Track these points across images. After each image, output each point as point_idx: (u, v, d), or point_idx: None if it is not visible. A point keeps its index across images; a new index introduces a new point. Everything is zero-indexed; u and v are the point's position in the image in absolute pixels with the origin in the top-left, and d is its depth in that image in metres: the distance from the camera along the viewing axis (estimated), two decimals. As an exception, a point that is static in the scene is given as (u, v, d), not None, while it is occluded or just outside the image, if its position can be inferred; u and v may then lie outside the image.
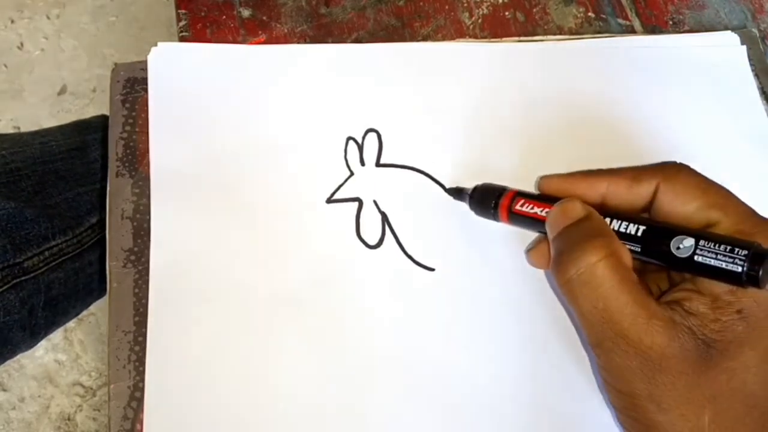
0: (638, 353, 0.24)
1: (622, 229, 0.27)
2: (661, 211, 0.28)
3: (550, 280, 0.33)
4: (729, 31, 0.39)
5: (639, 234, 0.26)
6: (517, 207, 0.30)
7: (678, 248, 0.25)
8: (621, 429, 0.28)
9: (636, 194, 0.28)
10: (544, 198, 0.30)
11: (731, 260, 0.24)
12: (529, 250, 0.32)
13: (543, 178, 0.31)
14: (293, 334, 0.31)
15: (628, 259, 0.26)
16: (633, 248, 0.26)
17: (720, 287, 0.25)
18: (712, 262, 0.24)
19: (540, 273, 0.33)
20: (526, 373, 0.31)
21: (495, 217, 0.31)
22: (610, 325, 0.25)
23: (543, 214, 0.29)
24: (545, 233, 0.29)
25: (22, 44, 1.09)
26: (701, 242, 0.24)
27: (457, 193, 0.33)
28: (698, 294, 0.26)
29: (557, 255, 0.27)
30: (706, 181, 0.27)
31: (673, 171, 0.28)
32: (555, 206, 0.28)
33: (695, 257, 0.24)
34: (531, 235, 0.33)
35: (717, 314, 0.25)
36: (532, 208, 0.30)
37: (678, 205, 0.27)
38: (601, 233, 0.26)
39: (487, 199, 0.31)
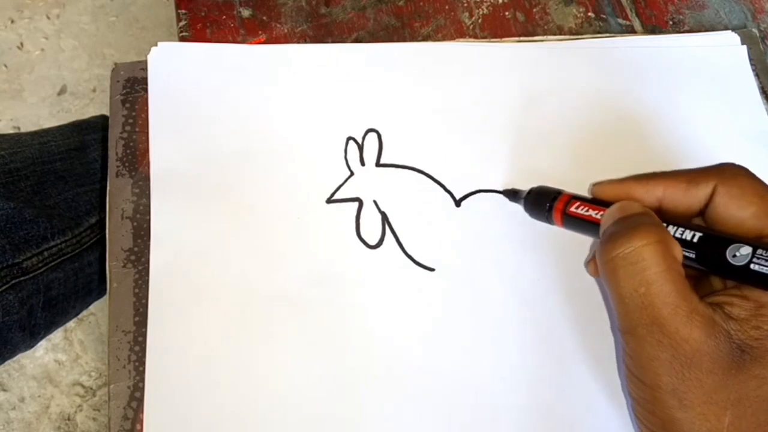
0: (672, 344, 0.24)
1: (677, 235, 0.26)
2: (716, 214, 0.27)
3: (562, 281, 0.33)
4: (729, 31, 0.39)
5: (695, 240, 0.26)
6: (572, 209, 0.30)
7: (734, 256, 0.25)
8: (634, 420, 0.28)
9: (693, 197, 0.28)
10: (600, 202, 0.29)
11: None
12: (588, 262, 0.31)
13: (596, 185, 0.31)
14: (293, 334, 0.31)
15: (678, 252, 0.26)
16: (687, 254, 0.26)
17: (765, 297, 0.25)
18: None
19: (540, 273, 0.33)
20: (526, 373, 0.31)
21: (549, 219, 0.31)
22: (648, 310, 0.24)
23: (598, 216, 0.29)
24: (599, 238, 0.29)
25: (22, 44, 1.09)
26: (759, 251, 0.24)
27: (512, 194, 0.33)
28: (742, 300, 0.25)
29: (606, 237, 0.26)
30: (765, 186, 0.27)
31: (732, 173, 0.28)
32: (613, 205, 0.28)
33: (751, 266, 0.24)
34: (537, 238, 0.33)
35: (759, 322, 0.25)
36: (588, 211, 0.29)
37: (734, 208, 0.27)
38: (654, 223, 0.26)
39: (541, 202, 0.31)
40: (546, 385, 0.31)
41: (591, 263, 0.31)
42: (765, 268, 0.24)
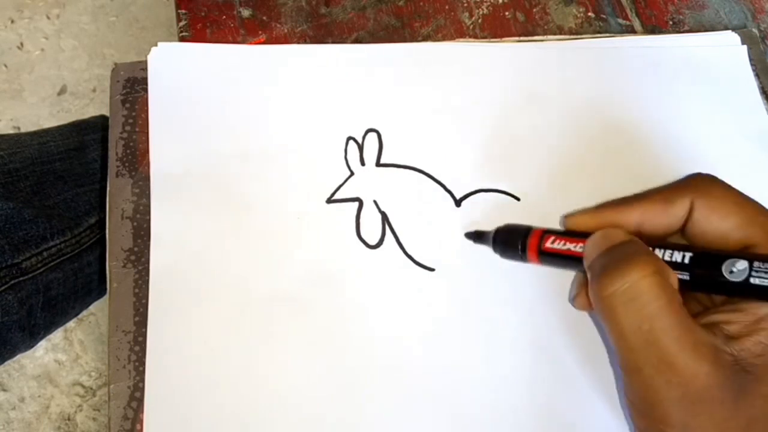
0: (681, 383, 0.23)
1: (667, 258, 0.25)
2: (697, 229, 0.26)
3: (561, 281, 0.33)
4: (729, 31, 0.39)
5: (686, 261, 0.25)
6: (548, 245, 0.28)
7: (731, 272, 0.24)
8: None
9: (672, 215, 0.27)
10: (576, 234, 0.28)
11: None
12: (575, 297, 0.30)
13: (568, 216, 0.30)
14: (293, 334, 0.31)
15: (675, 280, 0.25)
16: (681, 277, 0.25)
17: (764, 308, 0.24)
18: None
19: (540, 274, 0.33)
20: (526, 374, 0.31)
21: (523, 258, 0.30)
22: (655, 348, 0.23)
23: (578, 249, 0.27)
24: (582, 271, 0.27)
25: (22, 44, 1.09)
26: (755, 264, 0.23)
27: (477, 237, 0.32)
28: (738, 314, 0.24)
29: (598, 271, 0.25)
30: (741, 195, 0.26)
31: (706, 185, 0.27)
32: (595, 234, 0.27)
33: (751, 279, 0.23)
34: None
35: (760, 336, 0.24)
36: (565, 245, 0.28)
37: (714, 221, 0.26)
38: (646, 252, 0.25)
39: (512, 241, 0.30)
40: (546, 385, 0.31)
41: (578, 298, 0.30)
42: (766, 280, 0.23)
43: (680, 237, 0.28)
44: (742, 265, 0.23)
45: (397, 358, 0.31)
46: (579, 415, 0.31)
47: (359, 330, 0.31)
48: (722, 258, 0.24)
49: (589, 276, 0.26)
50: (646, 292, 0.23)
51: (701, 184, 0.27)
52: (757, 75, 0.38)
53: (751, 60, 0.38)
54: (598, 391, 0.31)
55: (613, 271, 0.24)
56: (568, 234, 0.28)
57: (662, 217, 0.27)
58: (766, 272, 0.23)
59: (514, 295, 0.32)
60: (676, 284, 0.25)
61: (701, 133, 0.36)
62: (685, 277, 0.25)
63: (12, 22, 1.10)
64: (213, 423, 0.29)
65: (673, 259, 0.25)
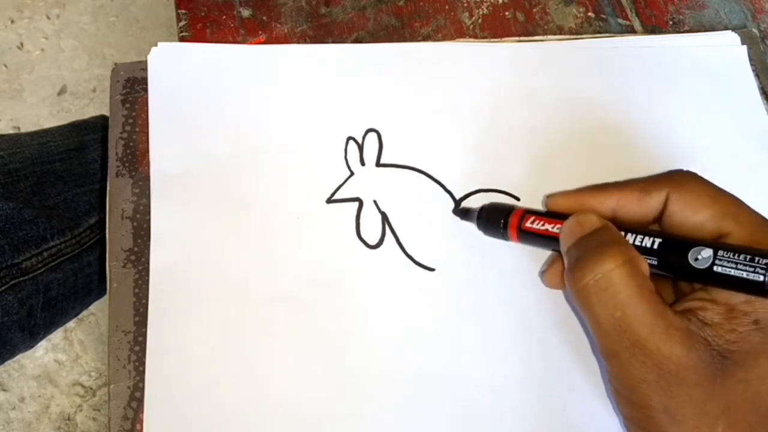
0: (655, 365, 0.24)
1: (637, 243, 0.26)
2: (672, 221, 0.27)
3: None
4: (729, 31, 0.39)
5: (655, 247, 0.26)
6: (527, 225, 0.30)
7: (696, 259, 0.25)
8: None
9: (647, 206, 0.28)
10: (555, 215, 0.29)
11: (752, 269, 0.23)
12: (544, 272, 0.31)
13: (549, 196, 0.31)
14: (293, 335, 0.31)
15: (645, 268, 0.26)
16: (650, 262, 0.26)
17: (736, 297, 0.25)
18: (732, 272, 0.24)
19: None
20: (527, 374, 0.31)
21: (504, 236, 0.31)
22: (627, 334, 0.24)
23: (555, 230, 0.28)
24: (557, 251, 0.29)
25: (22, 44, 1.09)
26: (720, 252, 0.24)
27: (464, 213, 0.33)
28: (713, 303, 0.25)
29: (573, 262, 0.26)
30: (716, 189, 0.27)
31: (682, 180, 0.28)
32: (569, 219, 0.28)
33: (714, 267, 0.24)
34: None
35: (733, 324, 0.25)
36: (543, 225, 0.29)
37: (689, 214, 0.27)
38: (618, 242, 0.26)
39: (495, 219, 0.31)
40: (546, 384, 0.31)
41: (547, 273, 0.31)
42: (728, 269, 0.24)
43: (657, 228, 0.29)
44: (706, 253, 0.24)
45: (397, 358, 0.31)
46: (579, 414, 0.31)
47: (359, 330, 0.31)
48: (689, 245, 0.25)
49: (565, 263, 0.27)
50: (617, 282, 0.25)
51: (678, 178, 0.28)
52: (757, 75, 0.38)
53: (751, 60, 0.38)
54: (599, 391, 0.31)
55: (586, 263, 0.25)
56: (548, 215, 0.29)
57: (637, 207, 0.28)
58: (729, 261, 0.24)
59: (514, 294, 0.32)
60: (647, 272, 0.26)
61: (701, 133, 0.36)
62: (654, 262, 0.26)
63: (12, 22, 1.10)
64: (213, 423, 0.29)
65: (643, 244, 0.26)
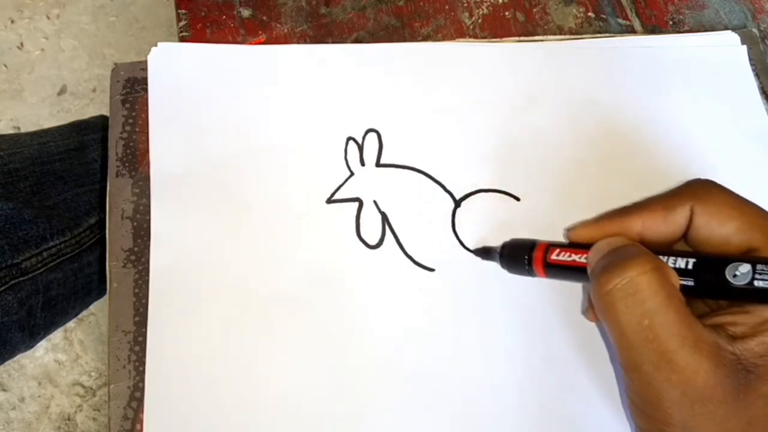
0: (681, 380, 0.23)
1: (670, 264, 0.25)
2: (698, 235, 0.26)
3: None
4: (729, 31, 0.39)
5: (690, 267, 0.25)
6: (553, 257, 0.28)
7: (734, 276, 0.23)
8: None
9: (673, 223, 0.27)
10: (580, 245, 0.28)
11: None
12: (586, 309, 0.30)
13: (570, 229, 0.30)
14: (293, 334, 0.31)
15: (675, 279, 0.24)
16: (685, 283, 0.25)
17: None
18: None
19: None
20: (526, 373, 0.31)
21: (530, 272, 0.30)
22: (654, 345, 0.23)
23: (583, 260, 0.27)
24: (587, 282, 0.27)
25: (22, 44, 1.09)
26: (758, 267, 0.23)
27: (485, 253, 0.32)
28: (744, 315, 0.24)
29: (598, 271, 0.25)
30: (739, 199, 0.26)
31: (704, 191, 0.27)
32: (598, 242, 0.27)
33: (755, 282, 0.23)
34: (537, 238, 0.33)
35: (765, 337, 0.24)
36: (570, 256, 0.28)
37: (715, 226, 0.26)
38: (646, 252, 0.25)
39: (518, 255, 0.30)
40: (546, 385, 0.31)
41: (589, 310, 0.30)
42: None
43: (684, 245, 0.28)
44: (745, 268, 0.23)
45: (397, 358, 0.31)
46: (579, 414, 0.31)
47: (359, 330, 0.31)
48: (725, 262, 0.24)
49: (590, 280, 0.26)
50: (645, 288, 0.23)
51: (700, 189, 0.27)
52: (757, 75, 0.38)
53: (751, 60, 0.38)
54: (598, 391, 0.31)
55: (612, 269, 0.24)
56: (572, 246, 0.28)
57: (663, 226, 0.27)
58: None
59: (513, 295, 0.32)
60: (677, 283, 0.24)
61: (701, 132, 0.36)
62: (690, 283, 0.25)
63: (12, 22, 1.10)
64: (213, 423, 0.29)
65: (677, 266, 0.25)
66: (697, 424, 0.23)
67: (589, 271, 0.27)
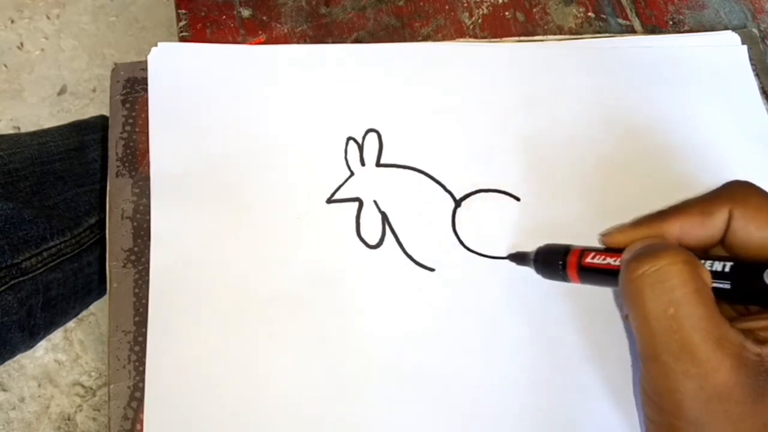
0: (700, 375, 0.23)
1: (707, 267, 0.25)
2: (737, 239, 0.26)
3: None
4: (729, 31, 0.39)
5: (727, 270, 0.24)
6: (588, 260, 0.28)
7: None
8: None
9: (711, 227, 0.26)
10: (614, 250, 0.28)
11: None
12: (626, 315, 0.30)
13: (605, 234, 0.29)
14: (293, 334, 0.31)
15: (707, 276, 0.24)
16: (722, 286, 0.24)
17: None
18: None
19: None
20: (527, 373, 0.31)
21: (564, 277, 0.30)
22: (677, 335, 0.23)
23: (618, 263, 0.27)
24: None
25: (22, 44, 1.09)
26: None
27: (519, 258, 0.32)
28: None
29: (631, 257, 0.25)
30: None
31: (743, 194, 0.26)
32: (633, 243, 0.27)
33: None
34: (537, 237, 0.33)
35: None
36: (605, 260, 0.27)
37: (753, 230, 0.25)
38: (681, 248, 0.24)
39: (552, 260, 0.30)
40: (546, 385, 0.31)
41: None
42: None
43: (721, 249, 0.28)
44: None
45: (397, 357, 0.31)
46: (579, 414, 0.31)
47: (359, 330, 0.31)
48: (763, 267, 0.23)
49: (621, 269, 0.26)
50: (675, 277, 0.23)
51: (738, 192, 0.27)
52: (757, 75, 0.38)
53: (751, 60, 0.38)
54: (598, 390, 0.31)
55: (643, 257, 0.24)
56: (607, 250, 0.28)
57: (701, 229, 0.26)
58: None
59: (513, 295, 0.32)
60: (709, 282, 0.24)
61: (701, 132, 0.36)
62: (726, 286, 0.24)
63: (12, 22, 1.10)
64: (213, 423, 0.29)
65: (713, 269, 0.25)
66: (710, 420, 0.23)
67: (624, 263, 0.26)
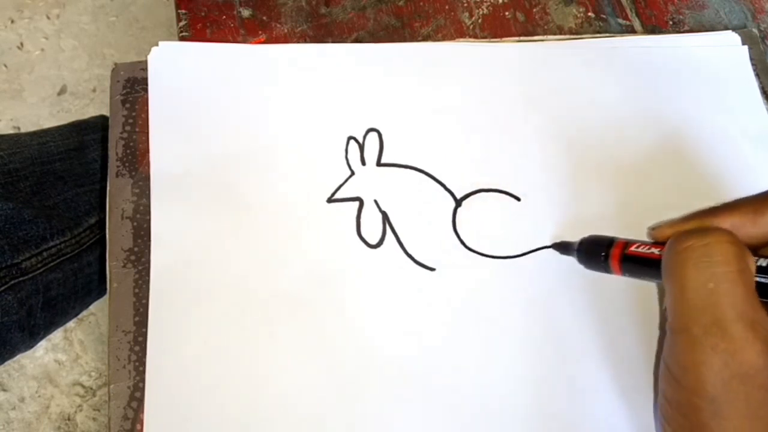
0: (727, 350, 0.23)
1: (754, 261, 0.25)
2: None
3: (563, 279, 0.32)
4: (730, 31, 0.39)
5: None
6: (632, 249, 0.28)
7: None
8: (657, 416, 0.26)
9: (763, 225, 0.26)
10: (660, 244, 0.28)
11: None
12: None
13: (654, 228, 0.29)
14: (293, 334, 0.31)
15: (752, 262, 0.24)
16: (765, 281, 0.24)
17: None
18: None
19: (540, 274, 0.33)
20: (526, 373, 0.31)
21: (606, 268, 0.30)
22: (712, 309, 0.23)
23: (659, 253, 0.27)
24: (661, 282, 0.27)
25: (22, 44, 1.09)
26: None
27: (563, 247, 0.32)
28: None
29: (679, 233, 0.25)
30: None
31: None
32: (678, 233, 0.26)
33: None
34: (538, 237, 0.33)
35: None
36: (649, 249, 0.27)
37: None
38: (729, 231, 0.25)
39: (596, 251, 0.30)
40: (547, 385, 0.31)
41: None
42: None
43: None
44: None
45: (397, 357, 0.31)
46: (579, 414, 0.31)
47: (359, 329, 0.31)
48: None
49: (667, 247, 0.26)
50: (721, 254, 0.24)
51: None
52: (757, 75, 0.38)
53: (751, 60, 0.38)
54: (599, 390, 0.31)
55: (691, 234, 0.25)
56: (653, 243, 0.28)
57: (752, 227, 0.26)
58: None
59: (514, 294, 0.32)
60: (753, 267, 0.24)
61: (701, 132, 0.36)
62: None
63: (12, 22, 1.10)
64: (213, 423, 0.29)
65: (759, 264, 0.25)
66: (729, 400, 0.23)
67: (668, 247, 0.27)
